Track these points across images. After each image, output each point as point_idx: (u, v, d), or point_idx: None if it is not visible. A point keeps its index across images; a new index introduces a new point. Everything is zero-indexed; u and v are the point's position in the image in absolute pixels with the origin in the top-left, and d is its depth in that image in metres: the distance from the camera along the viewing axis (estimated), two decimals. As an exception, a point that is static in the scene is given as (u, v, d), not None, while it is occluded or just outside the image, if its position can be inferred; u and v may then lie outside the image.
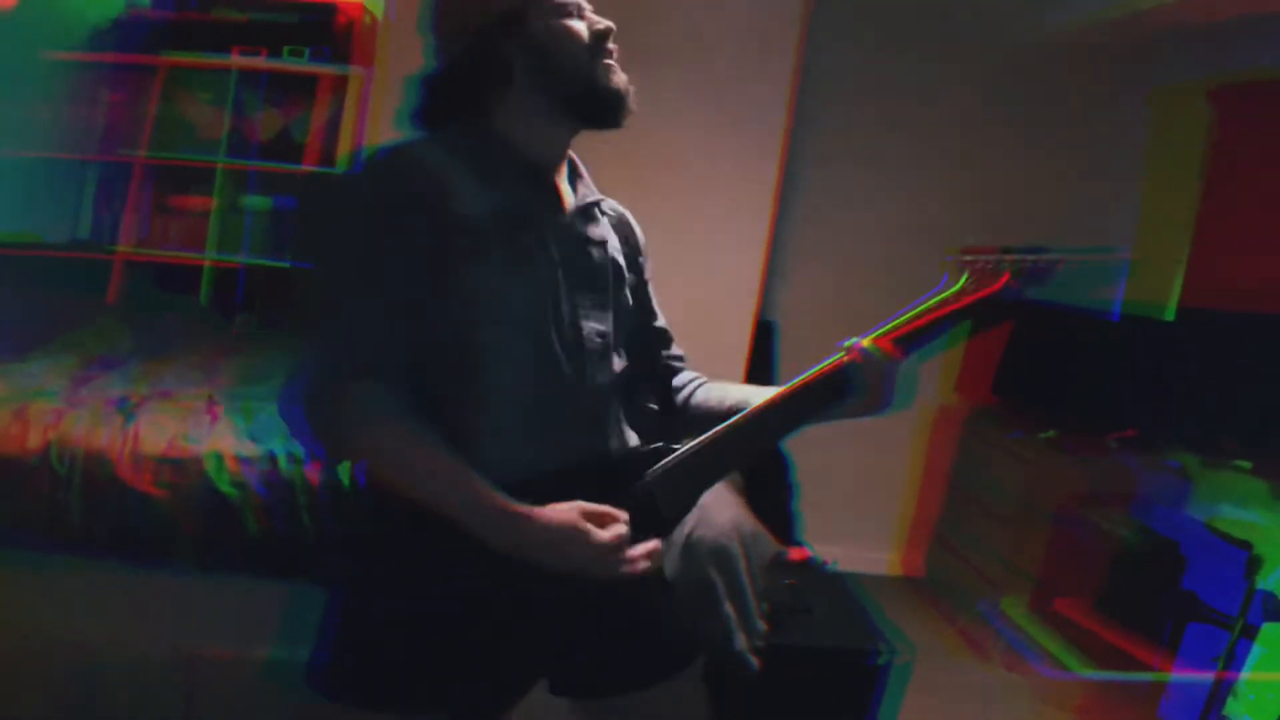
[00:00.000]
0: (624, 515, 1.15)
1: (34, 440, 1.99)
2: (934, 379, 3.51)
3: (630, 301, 1.36)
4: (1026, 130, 3.53)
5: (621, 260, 1.36)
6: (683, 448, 1.24)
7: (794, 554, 2.43)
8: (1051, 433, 3.12)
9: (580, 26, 1.25)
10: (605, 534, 1.13)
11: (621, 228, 1.41)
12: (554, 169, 1.30)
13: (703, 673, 1.37)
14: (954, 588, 3.33)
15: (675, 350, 1.50)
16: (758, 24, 3.17)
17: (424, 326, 1.16)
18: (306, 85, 3.49)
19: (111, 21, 3.37)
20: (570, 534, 1.12)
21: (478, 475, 1.12)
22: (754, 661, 1.98)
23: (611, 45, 1.27)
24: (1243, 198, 3.15)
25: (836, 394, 1.26)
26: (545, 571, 1.13)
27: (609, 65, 1.26)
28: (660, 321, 1.49)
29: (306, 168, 3.45)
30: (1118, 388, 3.03)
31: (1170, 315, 3.31)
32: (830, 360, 1.27)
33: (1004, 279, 1.27)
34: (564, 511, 1.13)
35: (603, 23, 1.27)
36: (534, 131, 1.26)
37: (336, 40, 3.43)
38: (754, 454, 1.29)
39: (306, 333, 1.19)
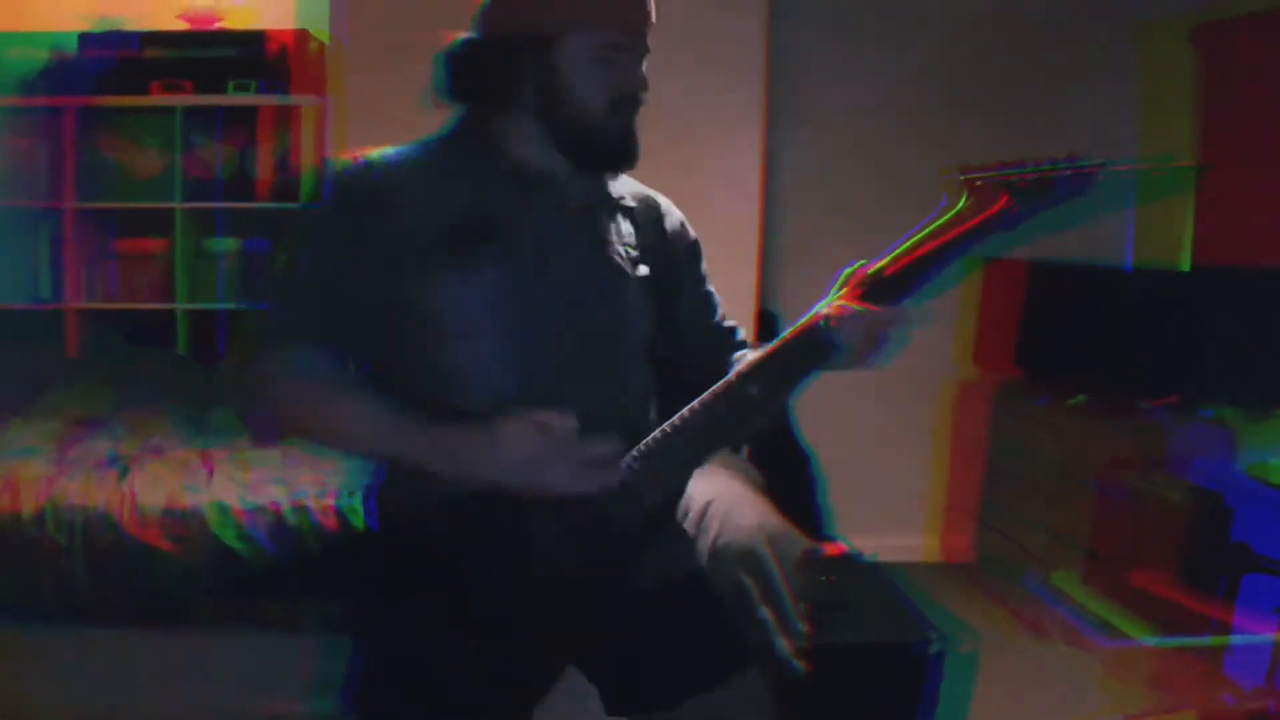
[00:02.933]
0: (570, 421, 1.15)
1: (28, 507, 2.04)
2: (952, 354, 3.58)
3: (644, 299, 1.34)
4: (1018, 88, 3.61)
5: (631, 255, 1.34)
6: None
7: (828, 549, 2.46)
8: (1080, 398, 3.18)
9: (609, 80, 1.22)
10: (557, 424, 1.13)
11: (647, 220, 1.40)
12: (555, 173, 1.29)
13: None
14: (1001, 567, 3.36)
15: (737, 339, 1.47)
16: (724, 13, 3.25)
17: (380, 324, 1.22)
18: (257, 119, 3.48)
19: (38, 71, 3.40)
20: (520, 431, 1.13)
21: (400, 412, 1.16)
22: (799, 664, 1.99)
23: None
24: (1240, 144, 3.22)
25: (817, 357, 1.25)
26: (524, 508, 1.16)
27: (628, 122, 1.25)
28: (714, 318, 1.46)
29: (263, 204, 3.48)
30: (1143, 345, 3.09)
31: (1185, 267, 3.39)
32: (805, 320, 1.25)
33: (1002, 201, 1.23)
34: (509, 420, 1.15)
35: (640, 80, 1.25)
36: (534, 146, 1.26)
37: (279, 70, 3.45)
38: (741, 428, 1.27)
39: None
